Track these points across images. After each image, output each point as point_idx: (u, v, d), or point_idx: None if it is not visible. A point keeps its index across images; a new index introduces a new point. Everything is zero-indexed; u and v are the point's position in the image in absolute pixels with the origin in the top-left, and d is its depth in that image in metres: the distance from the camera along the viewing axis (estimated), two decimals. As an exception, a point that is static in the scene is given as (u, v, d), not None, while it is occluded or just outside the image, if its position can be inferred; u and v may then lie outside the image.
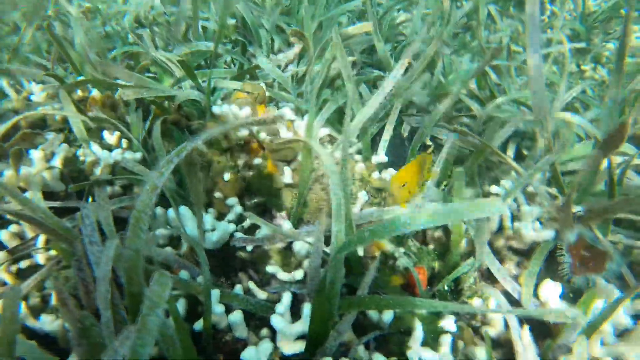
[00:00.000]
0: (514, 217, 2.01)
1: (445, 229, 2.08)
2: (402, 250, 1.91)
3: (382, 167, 2.21)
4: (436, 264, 2.02)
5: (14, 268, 1.88)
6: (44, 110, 2.29)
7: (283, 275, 1.75)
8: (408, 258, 1.95)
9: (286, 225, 1.86)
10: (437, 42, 2.40)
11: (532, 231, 1.92)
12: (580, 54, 3.62)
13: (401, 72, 2.18)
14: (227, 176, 2.01)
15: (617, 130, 1.51)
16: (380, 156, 2.23)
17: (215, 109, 2.12)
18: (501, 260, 1.96)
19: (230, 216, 1.94)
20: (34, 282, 1.76)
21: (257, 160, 2.04)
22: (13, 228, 1.94)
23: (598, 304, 1.71)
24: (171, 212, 1.90)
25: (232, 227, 1.82)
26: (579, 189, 2.08)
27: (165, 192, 1.95)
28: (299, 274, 1.73)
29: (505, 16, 3.90)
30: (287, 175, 1.98)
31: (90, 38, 2.64)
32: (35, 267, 1.89)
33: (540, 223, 1.98)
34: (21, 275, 1.88)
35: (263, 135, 2.12)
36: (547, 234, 1.91)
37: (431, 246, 2.09)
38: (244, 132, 2.09)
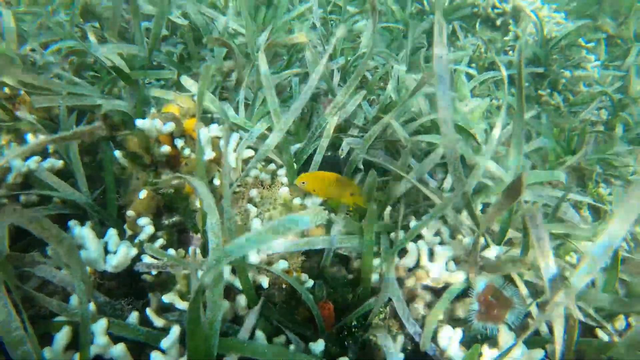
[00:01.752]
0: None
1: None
2: (310, 282, 1.89)
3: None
4: (351, 296, 1.99)
5: None
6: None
7: (181, 305, 1.72)
8: (320, 290, 1.93)
9: (193, 250, 1.83)
10: (368, 57, 2.34)
11: (445, 272, 1.90)
12: (540, 78, 3.57)
13: (311, 90, 2.11)
14: (142, 194, 1.96)
15: (516, 181, 1.47)
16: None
17: (138, 122, 2.07)
18: (413, 299, 1.94)
19: (142, 236, 1.90)
20: None
21: (175, 181, 2.00)
22: None
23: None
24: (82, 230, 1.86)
25: (134, 251, 1.78)
26: (499, 230, 2.06)
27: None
28: (196, 307, 1.70)
29: (471, 34, 3.85)
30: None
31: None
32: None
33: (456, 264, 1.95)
34: None
35: (187, 152, 2.08)
36: (459, 275, 1.89)
37: (351, 276, 2.06)
38: (165, 148, 2.05)
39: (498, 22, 3.99)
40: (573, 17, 4.09)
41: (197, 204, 1.94)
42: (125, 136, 2.09)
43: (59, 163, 2.13)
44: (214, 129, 2.14)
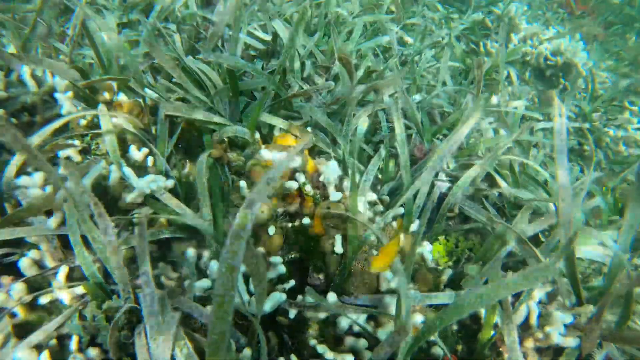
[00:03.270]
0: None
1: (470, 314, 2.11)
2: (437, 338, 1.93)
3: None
4: (459, 347, 2.05)
5: (27, 297, 1.71)
6: (79, 115, 2.10)
7: (330, 355, 1.72)
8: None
9: (331, 296, 1.83)
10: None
11: (559, 336, 1.99)
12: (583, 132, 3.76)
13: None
14: (271, 230, 1.93)
15: None
16: (414, 224, 2.22)
17: (265, 153, 2.03)
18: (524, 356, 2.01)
19: (272, 274, 1.87)
20: (55, 325, 1.63)
21: (306, 220, 1.98)
22: (33, 254, 1.78)
23: None
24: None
25: (284, 297, 1.76)
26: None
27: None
28: (349, 359, 1.70)
29: (522, 80, 3.99)
30: (337, 243, 1.93)
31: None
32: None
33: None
34: (36, 308, 1.73)
35: (308, 189, 2.05)
36: (572, 341, 1.98)
37: (455, 327, 2.11)
38: (293, 184, 2.02)
39: (548, 73, 4.16)
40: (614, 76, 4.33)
41: (335, 248, 1.93)
42: (252, 167, 2.04)
43: (170, 182, 2.05)
44: (334, 169, 2.11)
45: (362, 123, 2.42)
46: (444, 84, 3.14)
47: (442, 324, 1.48)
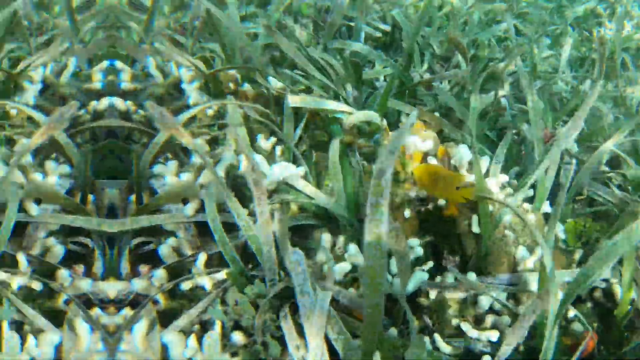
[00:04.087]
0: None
1: (604, 291, 2.04)
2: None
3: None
4: (595, 325, 1.99)
5: (168, 285, 1.76)
6: (207, 104, 2.18)
7: (474, 333, 1.71)
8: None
9: (470, 275, 1.82)
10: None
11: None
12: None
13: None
14: (407, 213, 1.94)
15: None
16: (545, 205, 2.18)
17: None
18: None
19: (410, 256, 1.87)
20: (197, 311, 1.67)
21: (441, 202, 1.97)
22: (172, 241, 1.85)
23: None
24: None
25: (426, 275, 1.78)
26: None
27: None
28: (494, 335, 1.69)
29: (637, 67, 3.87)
30: (474, 223, 1.93)
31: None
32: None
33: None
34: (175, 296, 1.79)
35: (439, 171, 2.05)
36: None
37: (589, 304, 2.05)
38: (424, 166, 2.02)
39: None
40: None
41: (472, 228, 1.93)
42: (370, 147, 2.07)
43: (301, 169, 2.09)
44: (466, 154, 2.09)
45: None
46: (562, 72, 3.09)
47: (593, 275, 1.44)
